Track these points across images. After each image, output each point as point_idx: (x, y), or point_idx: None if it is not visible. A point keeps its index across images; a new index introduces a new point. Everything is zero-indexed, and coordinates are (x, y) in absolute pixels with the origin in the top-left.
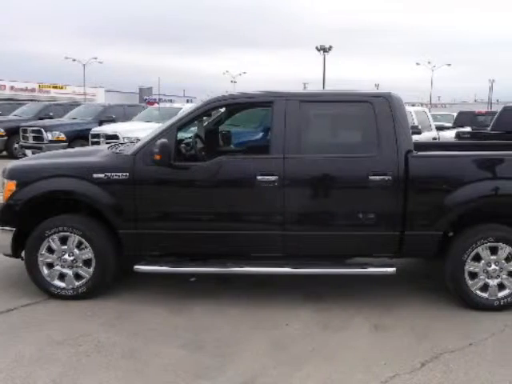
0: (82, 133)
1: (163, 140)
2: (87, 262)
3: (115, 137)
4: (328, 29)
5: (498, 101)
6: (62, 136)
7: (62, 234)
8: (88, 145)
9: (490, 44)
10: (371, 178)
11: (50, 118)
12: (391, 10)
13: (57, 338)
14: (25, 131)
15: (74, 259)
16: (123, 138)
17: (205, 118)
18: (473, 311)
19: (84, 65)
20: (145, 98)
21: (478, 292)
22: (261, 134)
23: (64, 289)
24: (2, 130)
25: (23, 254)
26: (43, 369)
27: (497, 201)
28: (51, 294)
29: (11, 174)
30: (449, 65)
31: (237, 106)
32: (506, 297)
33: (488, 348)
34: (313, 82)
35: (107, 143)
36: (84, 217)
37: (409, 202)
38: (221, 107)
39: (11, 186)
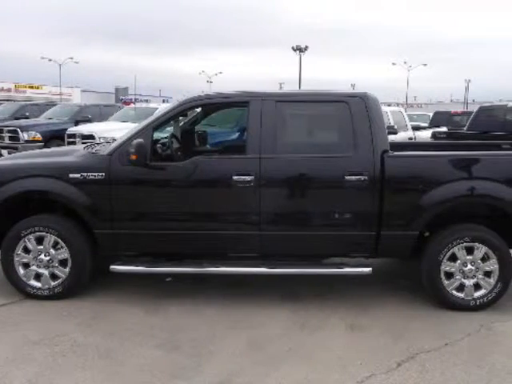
0: (58, 133)
1: (139, 140)
2: (63, 262)
3: (91, 137)
4: (304, 29)
5: (474, 101)
6: (38, 136)
7: (38, 233)
8: (64, 145)
9: (466, 44)
10: (347, 177)
11: (26, 117)
12: (367, 11)
13: (33, 337)
14: (0, 131)
15: (50, 259)
16: (99, 138)
17: (181, 118)
18: (449, 311)
19: (60, 65)
20: (121, 97)
21: (454, 292)
22: (237, 134)
23: (40, 289)
24: None
25: None
26: (19, 369)
27: (473, 201)
28: (27, 293)
29: None
30: (425, 65)
31: (213, 106)
32: (481, 297)
33: (464, 348)
34: (289, 82)
35: (83, 143)
36: (60, 217)
37: (385, 201)
38: (197, 107)
39: None
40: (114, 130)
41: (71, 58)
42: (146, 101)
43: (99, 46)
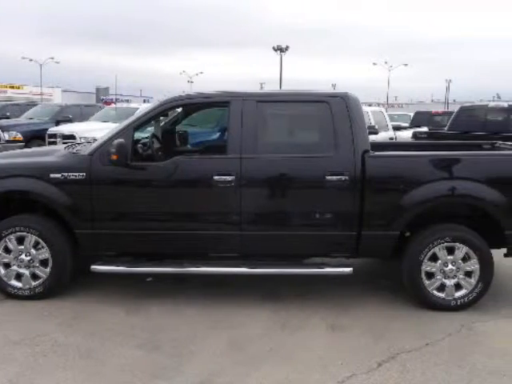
0: (38, 133)
1: (120, 140)
2: (44, 262)
3: (72, 137)
4: (285, 29)
5: (454, 101)
6: (19, 136)
7: (18, 233)
8: (45, 145)
9: (447, 44)
10: (328, 177)
11: (7, 117)
12: (348, 11)
13: (13, 337)
14: None
15: (31, 259)
16: (80, 137)
17: (162, 117)
18: (430, 311)
19: (41, 65)
20: (101, 97)
21: (435, 292)
22: (218, 134)
23: (21, 289)
24: None
25: None
26: (0, 369)
27: (453, 201)
28: (8, 293)
29: None
30: (405, 65)
31: (194, 106)
32: (462, 297)
33: (445, 348)
34: (270, 82)
35: (64, 143)
36: (41, 217)
37: (366, 202)
38: (178, 107)
39: None
40: (95, 130)
41: (52, 58)
42: (127, 101)
43: (80, 46)
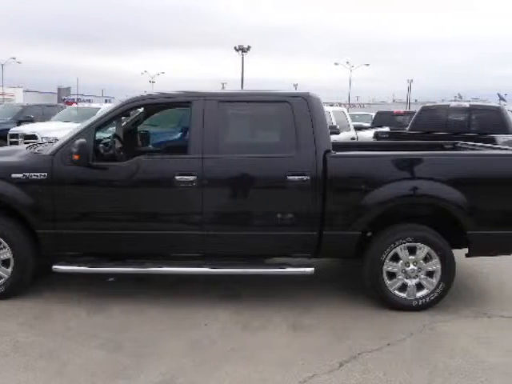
0: (0, 133)
1: (81, 140)
2: (5, 262)
3: (34, 137)
4: (246, 29)
5: (416, 101)
6: None
7: None
8: (6, 145)
9: (408, 44)
10: (289, 178)
11: None
12: (310, 11)
13: None
14: None
15: None
16: (42, 137)
17: (123, 118)
18: (391, 311)
19: (2, 65)
20: (63, 97)
21: (397, 292)
22: (179, 134)
23: None
24: None
25: None
26: None
27: (415, 201)
28: None
29: None
30: (367, 65)
31: (155, 106)
32: (424, 297)
33: (407, 348)
34: (232, 82)
35: (26, 143)
36: (2, 216)
37: (327, 202)
38: (139, 107)
39: None
40: (57, 130)
41: (14, 58)
42: (89, 101)
43: (42, 46)
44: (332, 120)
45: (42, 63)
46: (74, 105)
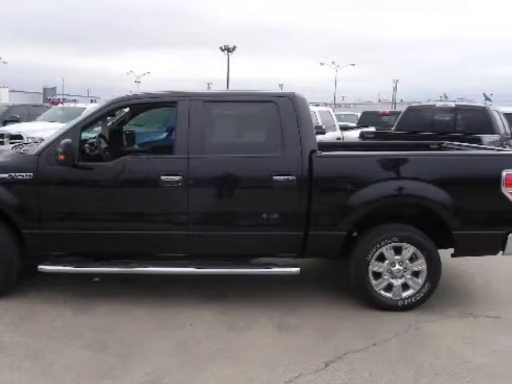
0: None
1: (67, 140)
2: None
3: (19, 137)
4: (233, 29)
5: (402, 101)
6: None
7: None
8: None
9: (395, 44)
10: (275, 178)
11: None
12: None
13: None
14: None
15: None
16: (27, 137)
17: (109, 118)
18: (377, 311)
19: None
20: (49, 97)
21: (382, 292)
22: (165, 134)
23: None
24: None
25: None
26: None
27: (401, 201)
28: None
29: None
30: (353, 65)
31: (141, 106)
32: (409, 297)
33: (392, 348)
34: (217, 82)
35: (11, 143)
36: None
37: (313, 202)
38: (125, 107)
39: None
40: (42, 130)
41: None
42: (74, 101)
43: (28, 46)
44: (318, 120)
45: (27, 63)
46: (60, 105)
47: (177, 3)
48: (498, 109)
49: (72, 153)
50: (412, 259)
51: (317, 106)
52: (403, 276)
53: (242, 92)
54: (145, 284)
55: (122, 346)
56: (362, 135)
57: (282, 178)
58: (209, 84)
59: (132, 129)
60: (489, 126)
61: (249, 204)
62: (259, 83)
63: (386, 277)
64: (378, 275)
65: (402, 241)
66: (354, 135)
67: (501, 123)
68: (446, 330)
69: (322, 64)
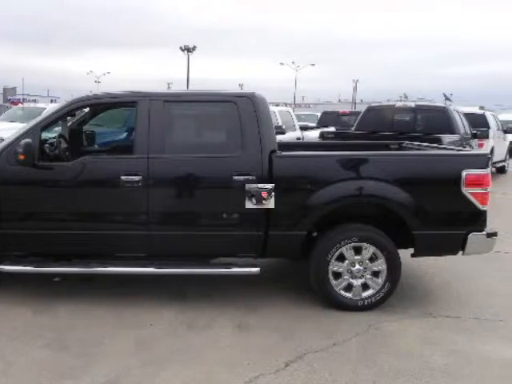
0: None
1: (27, 140)
2: None
3: None
4: (193, 29)
5: (362, 101)
6: None
7: None
8: None
9: (355, 45)
10: (235, 177)
11: None
12: (257, 11)
13: None
14: None
15: None
16: None
17: (69, 118)
18: (337, 311)
19: None
20: (9, 97)
21: (342, 292)
22: (125, 134)
23: None
24: None
25: None
26: None
27: (361, 201)
28: None
29: None
30: (313, 65)
31: (101, 105)
32: (369, 297)
33: (352, 348)
34: (178, 82)
35: None
36: None
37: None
38: (85, 107)
39: None
40: (2, 130)
41: None
42: (34, 101)
43: None
44: (278, 120)
45: None
46: (20, 105)
47: (137, 3)
48: (459, 109)
49: (32, 153)
50: (372, 259)
51: (277, 105)
52: (363, 276)
53: (202, 92)
54: (105, 284)
55: (82, 346)
56: (322, 135)
57: (241, 177)
58: (169, 84)
59: (92, 129)
60: (449, 126)
61: (209, 204)
62: (219, 83)
63: (345, 277)
64: (337, 275)
65: (361, 241)
66: (314, 135)
67: (461, 123)
68: (405, 330)
69: (282, 64)
